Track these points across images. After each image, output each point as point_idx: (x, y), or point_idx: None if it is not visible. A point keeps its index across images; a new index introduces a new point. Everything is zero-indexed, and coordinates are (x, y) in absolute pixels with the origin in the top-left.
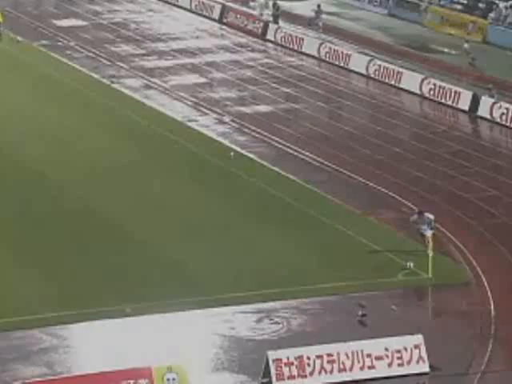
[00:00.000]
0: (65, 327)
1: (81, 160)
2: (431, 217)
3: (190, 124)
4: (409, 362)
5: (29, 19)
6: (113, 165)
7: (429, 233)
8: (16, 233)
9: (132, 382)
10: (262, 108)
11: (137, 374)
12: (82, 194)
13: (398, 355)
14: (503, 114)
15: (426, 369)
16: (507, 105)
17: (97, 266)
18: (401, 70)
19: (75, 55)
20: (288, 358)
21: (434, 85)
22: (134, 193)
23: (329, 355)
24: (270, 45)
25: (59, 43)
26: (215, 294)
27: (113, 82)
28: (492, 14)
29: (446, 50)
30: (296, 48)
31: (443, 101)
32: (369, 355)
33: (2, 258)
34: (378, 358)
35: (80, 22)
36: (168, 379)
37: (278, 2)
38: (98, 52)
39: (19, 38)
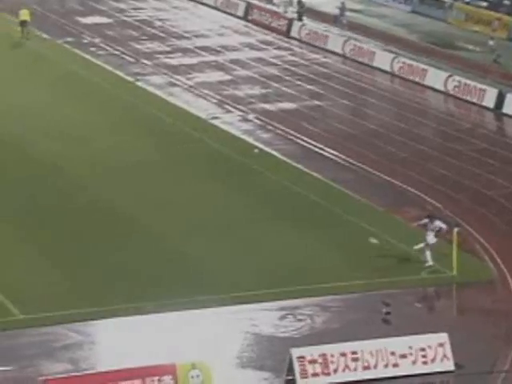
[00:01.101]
0: (89, 324)
1: (105, 157)
2: (443, 226)
3: (213, 121)
4: (433, 360)
5: (54, 17)
6: (135, 162)
7: (433, 240)
8: (39, 231)
9: (156, 378)
10: (286, 105)
11: (161, 371)
12: (102, 190)
13: (423, 353)
14: None
15: (451, 367)
16: None
17: (118, 263)
18: (425, 67)
19: (100, 53)
20: (312, 356)
21: (459, 82)
22: (156, 190)
23: (353, 353)
24: (294, 42)
25: (84, 41)
26: (238, 291)
27: (137, 80)
28: None
29: (470, 47)
30: (320, 45)
31: (468, 98)
32: (393, 353)
33: (28, 254)
34: (402, 356)
35: (105, 20)
36: (192, 376)
37: (303, 0)
38: (122, 49)
39: (45, 36)
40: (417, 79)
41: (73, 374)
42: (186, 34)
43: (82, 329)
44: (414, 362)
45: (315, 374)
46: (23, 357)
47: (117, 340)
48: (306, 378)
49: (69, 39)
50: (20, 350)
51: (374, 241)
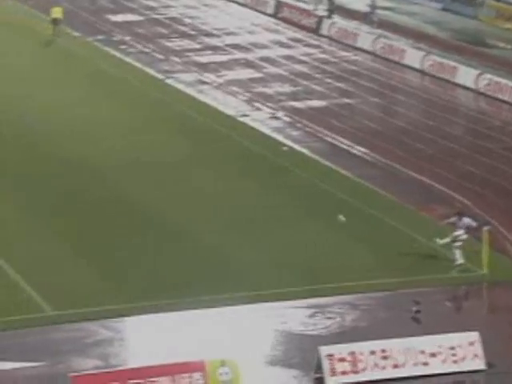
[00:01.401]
0: (120, 320)
1: (135, 155)
2: (473, 223)
3: (243, 119)
4: (463, 359)
5: (85, 14)
6: (165, 160)
7: (463, 237)
8: (73, 228)
9: (185, 375)
10: (316, 103)
11: (190, 368)
12: (133, 187)
13: (453, 352)
14: None
15: (482, 366)
16: None
17: (150, 260)
18: (456, 64)
19: (130, 50)
20: (341, 354)
21: (490, 80)
22: (185, 187)
23: (382, 351)
24: (324, 40)
25: (114, 38)
26: (268, 288)
27: (167, 77)
28: None
29: (501, 44)
30: (350, 43)
31: (499, 96)
32: (422, 352)
33: (61, 251)
34: (432, 355)
35: (135, 17)
36: (221, 373)
37: None
38: (152, 47)
39: (76, 34)
40: (447, 77)
41: (103, 370)
42: (216, 32)
43: (113, 325)
44: (443, 361)
45: (344, 373)
46: (54, 353)
47: (147, 337)
48: (334, 376)
49: (99, 37)
50: (51, 346)
51: (342, 218)
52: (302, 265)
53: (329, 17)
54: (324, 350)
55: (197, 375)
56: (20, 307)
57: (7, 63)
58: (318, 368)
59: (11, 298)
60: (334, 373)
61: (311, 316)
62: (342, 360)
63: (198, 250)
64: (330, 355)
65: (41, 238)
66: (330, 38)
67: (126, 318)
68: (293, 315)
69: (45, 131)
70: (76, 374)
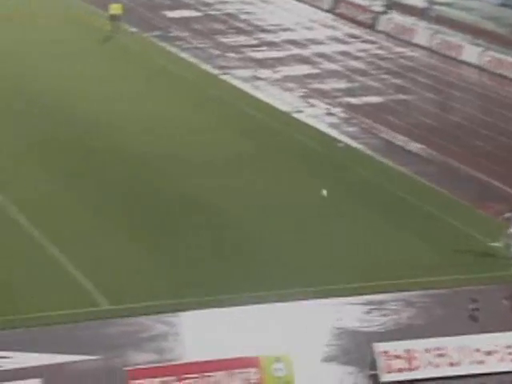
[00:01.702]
0: (175, 315)
1: (192, 151)
2: None
3: (299, 115)
4: None
5: (142, 10)
6: (222, 156)
7: None
8: (130, 223)
9: (240, 370)
10: (372, 99)
11: (245, 363)
12: (192, 184)
13: (510, 351)
14: None
15: None
16: None
17: (207, 254)
18: None
19: (186, 46)
20: (396, 351)
21: None
22: (243, 183)
23: (437, 349)
24: (380, 35)
25: (171, 34)
26: (323, 284)
27: (223, 73)
28: None
29: None
30: (407, 39)
31: None
32: (478, 350)
33: (118, 245)
34: (488, 353)
35: (192, 13)
36: (275, 369)
37: None
38: (208, 43)
39: (133, 30)
40: (505, 73)
41: (157, 364)
42: (272, 28)
43: (168, 320)
44: (500, 360)
45: (399, 370)
46: (110, 347)
47: (201, 332)
48: (389, 373)
49: (156, 33)
50: (107, 340)
51: (324, 192)
52: (359, 261)
53: (386, 12)
54: (379, 347)
55: (251, 371)
56: (77, 301)
57: (67, 60)
58: (373, 365)
59: (69, 292)
60: (388, 370)
61: (367, 313)
62: (396, 357)
63: (255, 246)
64: (385, 352)
65: (100, 233)
66: (386, 33)
67: (180, 313)
68: (348, 312)
69: (104, 126)
70: (131, 367)
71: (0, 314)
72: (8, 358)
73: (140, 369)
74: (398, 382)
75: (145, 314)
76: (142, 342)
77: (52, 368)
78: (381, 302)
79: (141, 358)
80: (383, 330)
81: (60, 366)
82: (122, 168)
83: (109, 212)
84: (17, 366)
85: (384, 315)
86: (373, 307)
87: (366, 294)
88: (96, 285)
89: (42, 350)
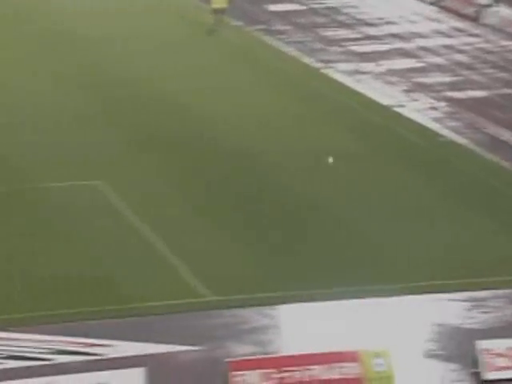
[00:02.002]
0: (275, 308)
1: (295, 145)
2: None
3: (401, 109)
4: None
5: (244, 4)
6: (325, 150)
7: None
8: (233, 215)
9: (340, 365)
10: (477, 93)
11: (344, 358)
12: (294, 181)
13: None
14: None
15: None
16: None
17: (305, 248)
18: None
19: (288, 40)
20: (499, 349)
21: None
22: (344, 178)
23: None
24: (486, 29)
25: (273, 28)
26: (423, 280)
27: (325, 67)
28: None
29: None
30: None
31: None
32: None
33: (222, 238)
34: None
35: (294, 7)
36: (375, 364)
37: None
38: (310, 36)
39: (235, 23)
40: None
41: (258, 356)
42: (375, 21)
43: (269, 312)
44: None
45: (501, 368)
46: (212, 338)
47: (301, 325)
48: (491, 371)
49: (258, 26)
50: (209, 331)
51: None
52: (460, 256)
53: (492, 5)
54: (481, 345)
55: (351, 365)
56: (181, 292)
57: (169, 53)
58: (475, 362)
59: (173, 283)
60: (491, 368)
61: (468, 309)
62: (499, 355)
63: (354, 239)
64: (488, 350)
65: (203, 226)
66: (492, 27)
67: (281, 306)
68: (449, 308)
69: (209, 119)
70: (233, 359)
71: (104, 303)
72: (112, 346)
73: (241, 360)
74: (501, 380)
75: (247, 306)
76: (242, 333)
77: (155, 357)
78: (483, 299)
79: (241, 350)
80: (485, 328)
81: (163, 355)
82: (230, 163)
83: (215, 208)
84: (120, 354)
85: (486, 312)
86: (474, 304)
87: (467, 290)
88: (199, 276)
89: (146, 339)
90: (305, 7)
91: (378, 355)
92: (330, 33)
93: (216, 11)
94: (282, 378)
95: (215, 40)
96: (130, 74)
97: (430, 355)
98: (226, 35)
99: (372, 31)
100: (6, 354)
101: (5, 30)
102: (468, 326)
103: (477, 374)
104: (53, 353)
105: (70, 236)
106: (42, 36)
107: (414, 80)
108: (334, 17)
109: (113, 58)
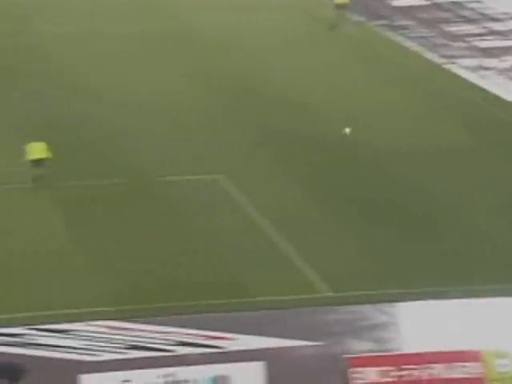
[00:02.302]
0: (395, 305)
1: (419, 143)
2: None
3: None
4: None
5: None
6: (442, 147)
7: None
8: (354, 215)
9: (461, 364)
10: None
11: (466, 357)
12: (402, 172)
13: None
14: None
15: None
16: None
17: (422, 245)
18: None
19: (410, 35)
20: None
21: None
22: (462, 175)
23: None
24: None
25: (395, 23)
26: None
27: (448, 63)
28: None
29: None
30: None
31: None
32: None
33: (341, 234)
34: None
35: (417, 2)
36: (499, 365)
37: None
38: (433, 32)
39: (358, 19)
40: None
41: (378, 354)
42: (501, 16)
43: (388, 310)
44: None
45: None
46: (331, 333)
47: (421, 323)
48: None
49: (380, 22)
50: (328, 327)
51: (347, 130)
52: None
53: None
54: None
55: (473, 365)
56: (300, 288)
57: (291, 50)
58: None
59: (293, 278)
60: None
61: None
62: None
63: (473, 237)
64: None
65: (323, 222)
66: None
67: (400, 303)
68: None
69: (326, 114)
70: (352, 355)
71: (225, 297)
72: (232, 339)
73: (360, 357)
74: None
75: (366, 303)
76: (361, 330)
77: (274, 352)
78: None
79: (360, 347)
80: None
81: (282, 350)
82: (352, 160)
83: (335, 204)
84: (240, 348)
85: None
86: None
87: None
88: (319, 272)
89: (266, 333)
90: (428, 2)
91: (501, 356)
92: (453, 28)
93: (338, 6)
94: (400, 376)
95: (337, 36)
96: (253, 71)
97: None
98: (348, 31)
99: (497, 26)
100: (128, 344)
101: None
102: None
103: None
104: (174, 344)
105: (191, 229)
106: (169, 36)
107: None
108: (457, 12)
109: (239, 57)
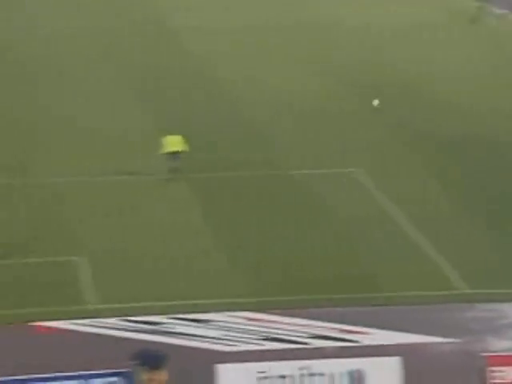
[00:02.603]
0: None
1: None
2: None
3: None
4: None
5: None
6: None
7: None
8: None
9: None
10: None
11: None
12: None
13: None
14: None
15: None
16: None
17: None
18: None
19: None
20: None
21: None
22: None
23: None
24: None
25: None
26: None
27: None
28: None
29: None
30: None
31: None
32: None
33: (475, 230)
34: None
35: None
36: None
37: None
38: None
39: (500, 11)
40: None
41: None
42: None
43: None
44: None
45: None
46: (467, 331)
47: None
48: None
49: None
50: (465, 324)
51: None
52: None
53: None
54: None
55: None
56: (438, 283)
57: (432, 44)
58: None
59: (431, 274)
60: None
61: None
62: None
63: None
64: None
65: (458, 218)
66: None
67: None
68: None
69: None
70: (491, 354)
71: (361, 291)
72: (367, 334)
73: (500, 356)
74: None
75: (506, 301)
76: (500, 328)
77: (411, 347)
78: None
79: (499, 345)
80: None
81: (418, 346)
82: (486, 158)
83: (472, 203)
84: (375, 342)
85: None
86: None
87: None
88: (456, 269)
89: (402, 328)
90: None
91: None
92: None
93: None
94: None
95: (478, 28)
96: (390, 66)
97: None
98: (490, 23)
99: None
100: (263, 335)
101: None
102: None
103: None
104: (309, 337)
105: (327, 221)
106: (307, 28)
107: None
108: None
109: (377, 50)
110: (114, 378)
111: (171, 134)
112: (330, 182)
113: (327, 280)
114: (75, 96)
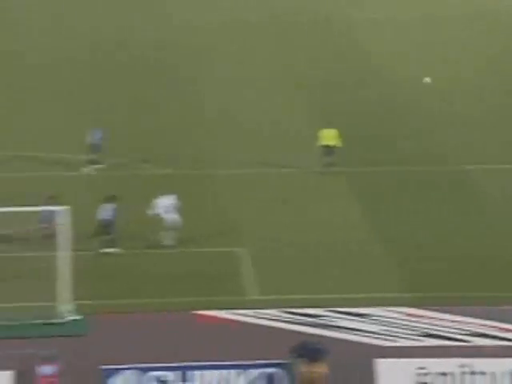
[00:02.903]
0: None
1: None
2: None
3: None
4: None
5: None
6: None
7: None
8: None
9: None
10: None
11: None
12: None
13: None
14: None
15: None
16: None
17: None
18: None
19: None
20: None
21: None
22: None
23: None
24: None
25: None
26: None
27: None
28: None
29: None
30: None
31: None
32: None
33: None
34: None
35: None
36: None
37: None
38: None
39: None
40: None
41: None
42: None
43: None
44: None
45: None
46: None
47: None
48: None
49: None
50: None
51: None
52: None
53: None
54: None
55: None
56: None
57: None
58: None
59: None
60: None
61: None
62: None
63: None
64: None
65: None
66: None
67: None
68: None
69: None
70: None
71: None
72: None
73: None
74: None
75: None
76: None
77: None
78: None
79: None
80: None
81: None
82: None
83: None
84: None
85: None
86: None
87: None
88: None
89: None
90: None
91: None
92: None
93: None
94: None
95: None
96: None
97: None
98: None
99: None
100: (423, 331)
101: None
102: None
103: None
104: (471, 334)
105: (492, 218)
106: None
107: None
108: None
109: None
110: (273, 369)
111: (328, 127)
112: (497, 177)
113: (487, 278)
114: (233, 91)
